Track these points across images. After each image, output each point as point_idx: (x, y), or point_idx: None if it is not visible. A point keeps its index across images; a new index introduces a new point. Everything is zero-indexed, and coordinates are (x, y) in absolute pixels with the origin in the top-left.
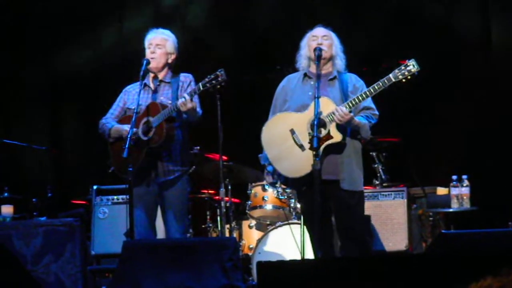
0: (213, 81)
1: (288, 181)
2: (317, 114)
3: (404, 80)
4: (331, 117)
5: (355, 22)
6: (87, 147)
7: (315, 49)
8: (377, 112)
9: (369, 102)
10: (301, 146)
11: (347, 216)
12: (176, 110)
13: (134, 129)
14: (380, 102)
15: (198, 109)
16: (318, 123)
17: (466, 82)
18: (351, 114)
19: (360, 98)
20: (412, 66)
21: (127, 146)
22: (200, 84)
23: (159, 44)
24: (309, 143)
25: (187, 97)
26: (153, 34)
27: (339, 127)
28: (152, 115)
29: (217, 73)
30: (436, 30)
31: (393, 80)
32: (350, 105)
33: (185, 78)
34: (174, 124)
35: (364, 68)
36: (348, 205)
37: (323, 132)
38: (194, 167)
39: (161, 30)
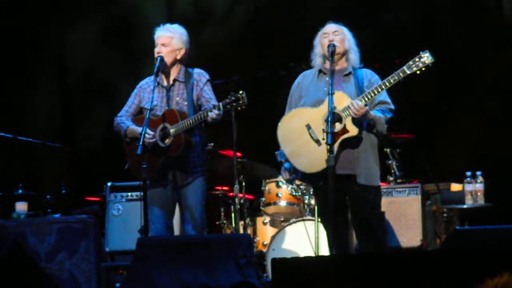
0: (234, 103)
1: (305, 177)
2: (331, 110)
3: (418, 72)
4: (347, 111)
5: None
6: (101, 143)
7: (328, 46)
8: (393, 106)
9: (384, 96)
10: (317, 141)
11: (363, 212)
12: (198, 122)
13: (150, 132)
14: (394, 98)
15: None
16: (333, 118)
17: (480, 78)
18: (367, 107)
19: (375, 91)
20: (426, 57)
21: (141, 143)
22: (220, 104)
23: (164, 43)
24: (323, 139)
25: (214, 116)
26: (159, 31)
27: (355, 121)
28: (169, 121)
29: (238, 95)
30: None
31: (408, 72)
32: (366, 98)
33: (199, 76)
34: (193, 132)
35: (376, 65)
36: (364, 201)
37: (339, 126)
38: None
39: (167, 27)
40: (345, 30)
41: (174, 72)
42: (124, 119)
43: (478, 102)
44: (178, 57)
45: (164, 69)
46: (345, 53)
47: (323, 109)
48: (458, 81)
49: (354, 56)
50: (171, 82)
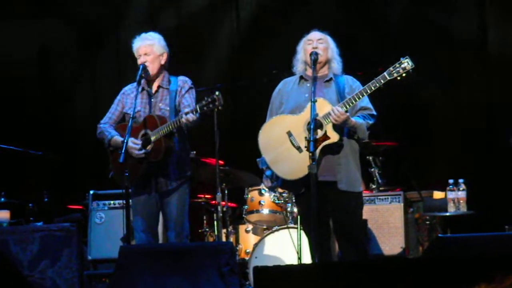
0: (210, 105)
1: (286, 184)
2: (313, 118)
3: (399, 78)
4: (327, 118)
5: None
6: (84, 151)
7: (311, 54)
8: (374, 113)
9: (366, 103)
10: (298, 148)
11: (345, 218)
12: (176, 126)
13: (137, 142)
14: (376, 106)
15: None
16: (315, 125)
17: (463, 86)
18: (347, 113)
19: (356, 97)
20: (406, 63)
21: (123, 151)
22: (197, 106)
23: (147, 52)
24: (305, 146)
25: (190, 118)
26: (138, 43)
27: (336, 128)
28: (149, 128)
29: (214, 97)
30: (434, 34)
31: (388, 78)
32: (347, 105)
33: (183, 83)
34: (173, 137)
35: (359, 73)
36: (346, 207)
37: (320, 133)
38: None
39: (144, 36)
40: (329, 39)
41: (158, 79)
42: (107, 126)
43: (460, 110)
44: (162, 62)
45: (148, 77)
46: (327, 62)
47: (304, 115)
48: (438, 89)
49: (337, 65)
50: (155, 88)
